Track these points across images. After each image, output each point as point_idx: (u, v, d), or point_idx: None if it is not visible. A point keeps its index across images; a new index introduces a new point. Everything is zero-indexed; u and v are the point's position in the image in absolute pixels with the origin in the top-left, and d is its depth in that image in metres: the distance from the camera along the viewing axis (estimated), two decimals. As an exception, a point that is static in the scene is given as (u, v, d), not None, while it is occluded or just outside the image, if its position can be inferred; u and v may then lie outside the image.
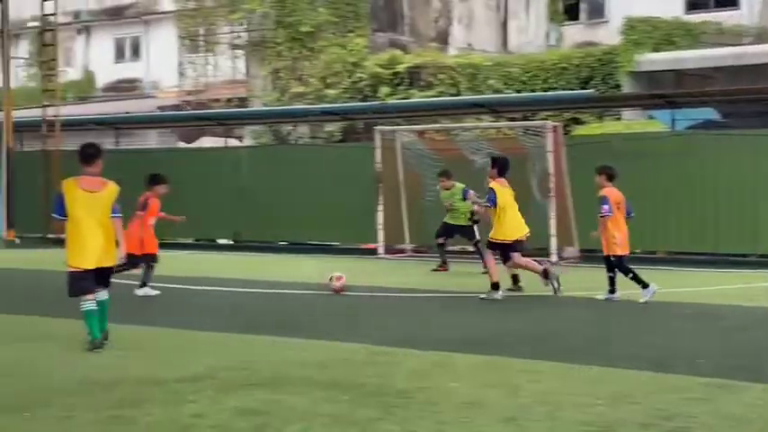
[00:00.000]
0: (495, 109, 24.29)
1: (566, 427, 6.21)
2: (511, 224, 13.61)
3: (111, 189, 9.52)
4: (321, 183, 22.70)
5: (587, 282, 15.59)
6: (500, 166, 13.97)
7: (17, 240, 24.65)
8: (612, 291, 12.96)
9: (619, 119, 27.99)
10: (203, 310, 12.64)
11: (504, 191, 13.70)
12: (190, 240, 25.89)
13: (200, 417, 6.46)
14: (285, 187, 23.33)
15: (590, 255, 19.45)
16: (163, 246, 24.60)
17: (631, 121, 26.95)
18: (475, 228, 17.44)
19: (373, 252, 21.26)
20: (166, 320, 11.24)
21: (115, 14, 45.09)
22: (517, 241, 13.66)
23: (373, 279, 16.16)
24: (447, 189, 17.82)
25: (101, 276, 9.40)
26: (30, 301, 13.40)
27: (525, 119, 25.25)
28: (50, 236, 9.81)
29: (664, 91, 25.04)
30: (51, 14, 26.60)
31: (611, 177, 13.15)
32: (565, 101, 24.87)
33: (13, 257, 21.01)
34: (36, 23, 32.93)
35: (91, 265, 9.25)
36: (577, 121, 27.84)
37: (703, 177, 19.18)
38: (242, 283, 15.09)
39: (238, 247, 24.32)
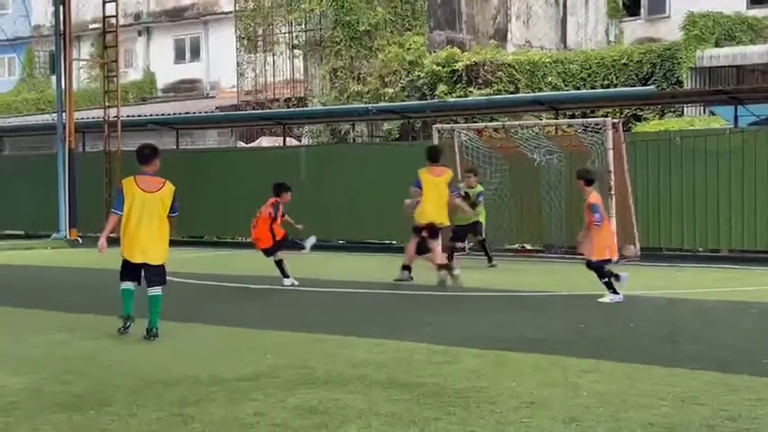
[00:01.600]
0: (554, 106, 24.09)
1: (629, 428, 6.12)
2: (425, 209, 14.59)
3: (169, 189, 9.98)
4: (379, 181, 22.68)
5: (649, 280, 15.42)
6: (427, 154, 15.21)
7: (80, 240, 25.02)
8: (615, 291, 12.48)
9: (680, 115, 27.60)
10: (264, 308, 12.71)
11: (428, 177, 14.74)
12: (249, 239, 26.02)
13: (261, 415, 6.49)
14: (343, 186, 23.37)
15: (651, 253, 19.26)
16: (225, 244, 24.92)
17: (693, 118, 26.57)
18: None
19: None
20: (227, 318, 11.30)
21: (175, 15, 45.54)
22: (430, 226, 14.51)
23: (431, 278, 16.10)
24: (471, 188, 17.86)
25: (153, 273, 9.95)
26: (92, 299, 13.57)
27: (585, 116, 25.00)
28: (112, 235, 10.12)
29: (726, 87, 24.65)
30: (112, 16, 26.93)
31: (590, 182, 12.68)
32: (625, 97, 24.59)
33: (76, 257, 21.34)
34: (97, 25, 33.36)
35: (138, 260, 9.88)
36: (638, 118, 27.51)
37: (766, 174, 18.83)
38: (301, 282, 15.13)
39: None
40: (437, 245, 14.90)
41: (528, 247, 20.76)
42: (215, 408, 6.74)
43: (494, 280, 15.63)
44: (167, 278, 10.20)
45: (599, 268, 12.51)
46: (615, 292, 12.41)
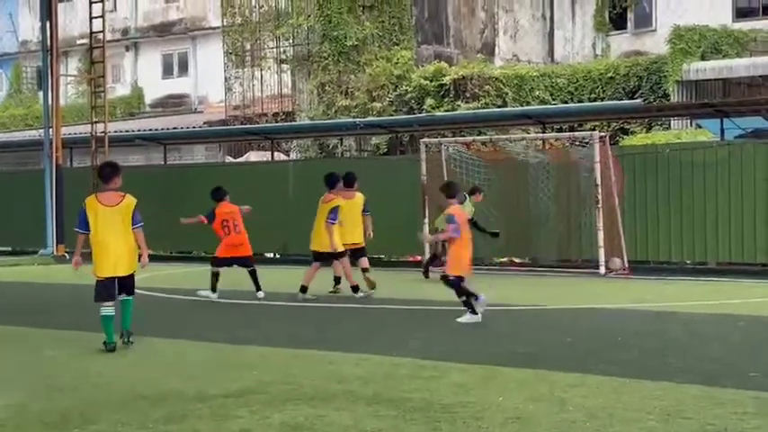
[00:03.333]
0: (541, 120, 24.16)
1: (615, 442, 6.12)
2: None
3: (129, 202, 10.39)
4: (367, 195, 22.64)
5: (636, 293, 15.44)
6: (326, 181, 15.38)
7: (67, 256, 24.89)
8: (474, 312, 12.01)
9: (667, 128, 27.72)
10: (250, 323, 12.67)
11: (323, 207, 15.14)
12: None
13: (246, 432, 6.46)
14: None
15: (638, 266, 19.30)
16: (208, 260, 24.82)
17: (680, 131, 26.68)
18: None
19: (420, 265, 21.19)
20: (213, 334, 11.27)
21: (163, 31, 45.55)
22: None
23: (418, 292, 16.11)
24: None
25: (123, 284, 10.39)
26: (79, 316, 13.51)
27: (572, 130, 25.07)
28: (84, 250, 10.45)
29: (712, 100, 24.75)
30: (100, 32, 26.89)
31: (452, 195, 12.39)
32: (612, 111, 24.68)
33: (63, 273, 21.23)
34: (85, 41, 33.35)
35: (111, 274, 10.26)
36: (625, 132, 27.63)
37: (753, 187, 18.90)
38: (287, 296, 15.10)
39: (285, 260, 24.37)
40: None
41: (516, 260, 20.76)
42: (201, 425, 6.72)
43: (481, 293, 15.58)
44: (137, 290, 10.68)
45: (457, 286, 12.02)
46: (474, 312, 11.94)
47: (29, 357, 9.89)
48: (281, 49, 34.13)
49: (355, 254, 15.86)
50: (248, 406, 7.24)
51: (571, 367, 8.74)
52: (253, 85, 34.24)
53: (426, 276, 18.24)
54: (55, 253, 25.31)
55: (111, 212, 10.24)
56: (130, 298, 10.55)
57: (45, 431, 6.67)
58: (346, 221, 15.50)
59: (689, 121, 27.12)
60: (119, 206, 10.29)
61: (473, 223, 18.29)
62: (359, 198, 16.27)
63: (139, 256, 10.44)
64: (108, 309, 10.31)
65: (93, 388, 8.16)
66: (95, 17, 26.77)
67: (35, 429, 6.71)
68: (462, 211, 12.58)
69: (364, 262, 15.89)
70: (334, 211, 14.88)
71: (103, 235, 10.19)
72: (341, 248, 15.10)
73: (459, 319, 11.93)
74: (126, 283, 10.45)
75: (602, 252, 18.76)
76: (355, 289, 15.02)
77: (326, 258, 15.16)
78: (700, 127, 25.74)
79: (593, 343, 10.41)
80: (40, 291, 17.95)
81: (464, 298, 12.03)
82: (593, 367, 8.73)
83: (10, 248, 29.03)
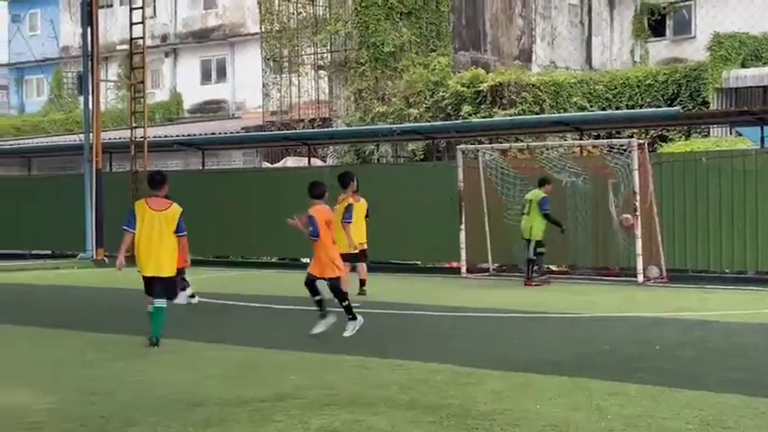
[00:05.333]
0: (579, 127, 24.04)
1: (653, 451, 6.08)
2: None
3: (176, 210, 11.04)
4: (403, 201, 22.69)
5: (675, 302, 15.33)
6: (339, 181, 15.37)
7: (106, 259, 25.11)
8: (353, 317, 11.59)
9: (706, 136, 27.49)
10: (287, 328, 12.71)
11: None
12: (274, 259, 26.11)
13: (283, 437, 6.49)
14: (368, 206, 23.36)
15: (677, 275, 19.15)
16: (250, 264, 24.99)
17: (719, 139, 26.44)
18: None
19: (456, 271, 21.19)
20: (251, 339, 11.32)
21: (202, 37, 45.87)
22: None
23: (456, 298, 16.09)
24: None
25: (161, 286, 10.90)
26: (119, 319, 13.64)
27: (610, 137, 24.95)
28: (128, 254, 10.85)
29: (752, 107, 24.51)
30: (140, 38, 27.13)
31: (318, 196, 11.84)
32: (650, 118, 24.51)
33: (102, 276, 21.44)
34: (125, 47, 33.65)
35: (150, 273, 10.86)
36: (664, 139, 27.42)
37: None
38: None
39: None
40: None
41: (553, 268, 20.68)
42: (239, 429, 6.76)
43: (518, 301, 15.57)
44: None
45: (335, 288, 11.60)
46: (354, 317, 11.55)
47: (68, 360, 9.99)
48: (319, 56, 34.23)
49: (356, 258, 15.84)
50: (286, 410, 7.27)
51: (609, 375, 8.70)
52: (290, 91, 34.37)
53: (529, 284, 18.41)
54: (94, 256, 25.53)
55: (158, 217, 10.88)
56: (165, 306, 10.94)
57: (85, 433, 6.74)
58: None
59: (728, 128, 26.87)
60: (165, 212, 10.95)
61: (546, 216, 18.40)
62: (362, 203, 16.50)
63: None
64: (153, 306, 10.93)
65: (132, 391, 8.23)
66: (135, 23, 27.02)
67: (74, 431, 6.77)
68: (328, 212, 11.93)
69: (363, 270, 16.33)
70: (349, 211, 14.91)
71: (147, 237, 10.81)
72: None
73: (346, 334, 11.41)
74: (164, 285, 10.97)
75: (639, 260, 18.63)
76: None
77: (347, 260, 15.06)
78: (740, 134, 25.50)
79: (631, 351, 10.35)
80: (80, 294, 18.12)
81: (346, 303, 11.58)
82: (631, 376, 8.68)
83: (50, 252, 29.35)
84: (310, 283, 11.67)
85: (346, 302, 11.62)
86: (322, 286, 11.68)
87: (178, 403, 7.62)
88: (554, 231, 18.91)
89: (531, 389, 8.14)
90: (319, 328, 11.50)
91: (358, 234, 15.38)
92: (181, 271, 14.84)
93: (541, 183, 18.89)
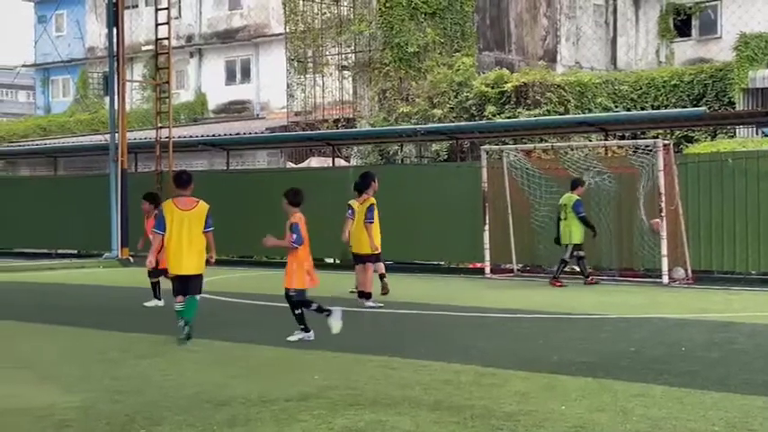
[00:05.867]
0: (603, 127, 23.96)
1: (679, 453, 6.06)
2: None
3: (203, 207, 11.26)
4: (427, 202, 22.69)
5: (700, 304, 15.26)
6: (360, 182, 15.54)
7: (131, 259, 25.27)
8: (306, 329, 11.25)
9: (732, 137, 27.33)
10: (312, 329, 12.73)
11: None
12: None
13: (308, 436, 6.51)
14: (391, 206, 23.35)
15: (703, 276, 19.05)
16: (274, 264, 25.05)
17: (745, 139, 26.28)
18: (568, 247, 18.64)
19: (480, 272, 21.17)
20: (275, 338, 11.35)
21: (227, 38, 46.03)
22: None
23: (480, 299, 16.08)
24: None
25: (191, 284, 11.15)
26: (144, 319, 13.72)
27: (635, 137, 24.86)
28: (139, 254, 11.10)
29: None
30: (165, 38, 27.26)
31: (295, 203, 11.56)
32: (676, 119, 24.40)
33: (127, 276, 21.56)
34: (150, 47, 33.82)
35: (181, 272, 11.11)
36: (689, 140, 27.29)
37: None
38: (348, 302, 15.16)
39: (345, 266, 24.46)
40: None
41: (577, 268, 20.61)
42: (264, 428, 6.78)
43: (543, 302, 15.54)
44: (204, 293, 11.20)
45: (296, 300, 11.19)
46: (306, 329, 11.18)
47: (94, 359, 10.06)
48: (343, 56, 34.30)
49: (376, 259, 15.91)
50: (310, 410, 7.29)
51: (634, 377, 8.67)
52: (314, 91, 34.44)
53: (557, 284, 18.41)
54: (119, 256, 25.68)
55: (187, 216, 11.11)
56: (197, 298, 11.23)
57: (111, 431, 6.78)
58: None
59: (754, 129, 26.71)
60: (193, 210, 11.17)
61: (582, 218, 18.37)
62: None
63: (208, 260, 11.30)
64: (180, 304, 11.17)
65: (158, 390, 8.27)
66: (161, 24, 27.16)
67: (101, 430, 6.82)
68: (303, 218, 11.59)
69: (381, 267, 16.24)
70: (371, 210, 14.93)
71: (177, 236, 11.03)
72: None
73: (290, 338, 11.10)
74: (194, 283, 11.20)
75: (665, 261, 18.55)
76: (368, 296, 15.02)
77: (368, 260, 15.14)
78: (766, 135, 25.35)
79: (656, 353, 10.30)
80: (105, 293, 18.23)
81: (299, 311, 11.16)
82: (656, 377, 8.65)
83: (76, 251, 29.55)
84: (297, 299, 11.20)
85: (300, 311, 11.17)
86: (311, 293, 11.47)
87: (203, 402, 7.66)
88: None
89: (555, 390, 8.12)
90: (336, 325, 11.17)
91: (378, 235, 15.31)
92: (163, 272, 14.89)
93: (574, 185, 18.84)
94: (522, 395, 7.87)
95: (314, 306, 11.27)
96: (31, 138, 46.77)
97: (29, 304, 15.89)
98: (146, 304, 15.01)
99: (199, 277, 11.26)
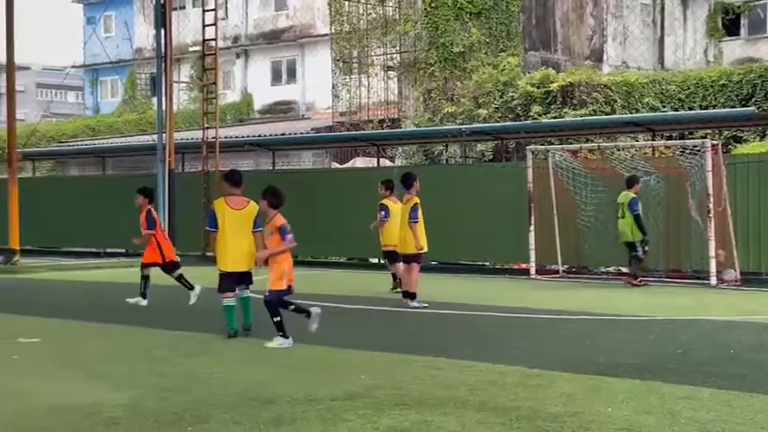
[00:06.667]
0: (651, 127, 23.77)
1: (727, 457, 6.00)
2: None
3: (253, 207, 11.53)
4: (472, 202, 22.64)
5: (749, 305, 15.08)
6: (403, 182, 15.52)
7: (178, 258, 25.43)
8: (285, 335, 10.81)
9: (782, 137, 26.99)
10: (355, 328, 12.77)
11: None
12: (342, 259, 26.23)
13: (353, 435, 6.53)
14: (436, 207, 23.33)
15: (752, 278, 18.82)
16: (318, 264, 25.15)
17: (795, 139, 25.94)
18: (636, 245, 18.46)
19: (525, 272, 21.08)
20: (320, 338, 11.39)
21: (273, 38, 46.26)
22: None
23: (525, 299, 16.02)
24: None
25: (242, 278, 11.54)
26: (191, 317, 13.83)
27: (683, 138, 24.62)
28: (209, 254, 11.08)
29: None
30: (212, 39, 27.45)
31: (275, 205, 10.97)
32: (724, 118, 24.13)
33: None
34: (197, 48, 34.07)
35: (232, 269, 11.40)
36: (738, 140, 26.98)
37: None
38: (392, 302, 15.18)
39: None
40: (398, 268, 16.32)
41: (623, 270, 20.45)
42: (310, 427, 6.81)
43: (589, 303, 15.44)
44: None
45: (273, 304, 10.75)
46: (285, 335, 10.74)
47: (141, 357, 10.16)
48: (388, 56, 34.33)
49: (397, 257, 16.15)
50: (355, 410, 7.31)
51: (682, 379, 8.59)
52: (359, 91, 34.51)
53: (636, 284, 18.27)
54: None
55: (238, 215, 11.39)
56: (249, 295, 11.66)
57: (158, 429, 6.84)
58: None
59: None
60: (244, 210, 11.46)
61: (635, 217, 18.23)
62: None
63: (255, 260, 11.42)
64: (229, 300, 11.47)
65: (204, 388, 8.34)
66: (208, 25, 27.37)
67: (148, 427, 6.89)
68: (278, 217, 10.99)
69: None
70: (415, 209, 14.87)
71: (229, 234, 11.28)
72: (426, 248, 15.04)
73: (268, 344, 10.73)
74: (246, 277, 11.62)
75: (713, 262, 18.35)
76: (413, 296, 14.86)
77: (414, 260, 14.99)
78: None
79: (704, 355, 10.20)
80: (152, 292, 18.36)
81: (278, 319, 10.73)
82: (704, 380, 8.56)
83: (124, 250, 29.81)
84: (275, 303, 10.82)
85: (278, 318, 10.75)
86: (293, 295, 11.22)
87: (249, 400, 7.71)
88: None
89: (601, 392, 8.07)
90: (314, 325, 10.93)
91: (423, 234, 15.20)
92: (176, 265, 15.61)
93: (629, 183, 18.70)
94: (567, 396, 7.84)
95: (292, 307, 10.93)
96: (80, 138, 47.35)
97: (77, 303, 16.08)
98: (128, 300, 15.31)
99: (248, 274, 11.64)
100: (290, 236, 10.85)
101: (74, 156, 40.07)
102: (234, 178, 11.76)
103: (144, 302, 15.15)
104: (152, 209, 15.73)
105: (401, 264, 15.81)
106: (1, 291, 18.98)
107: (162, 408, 7.49)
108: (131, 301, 15.09)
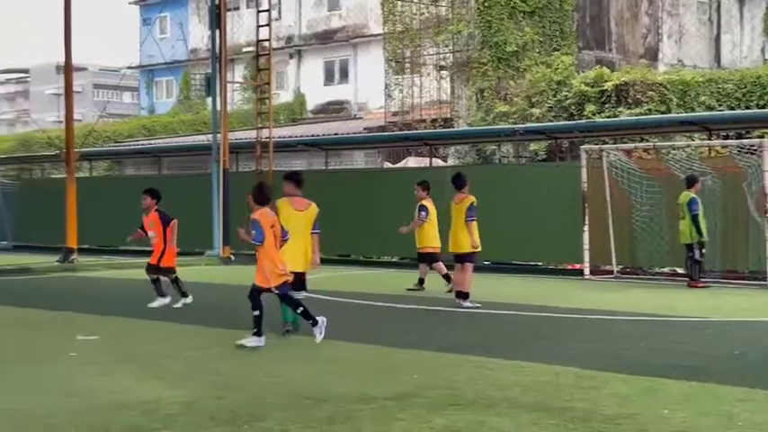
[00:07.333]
0: (707, 127, 23.49)
1: (786, 461, 5.93)
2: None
3: (314, 210, 11.79)
4: (525, 202, 22.56)
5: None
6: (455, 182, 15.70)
7: (232, 257, 25.68)
8: (259, 333, 10.72)
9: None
10: (407, 327, 12.79)
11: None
12: (395, 259, 26.26)
13: (408, 435, 6.55)
14: (488, 206, 23.25)
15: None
16: (371, 263, 25.22)
17: None
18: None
19: (579, 273, 20.95)
20: (373, 336, 11.44)
21: (325, 38, 46.47)
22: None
23: (579, 300, 15.92)
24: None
25: (299, 279, 11.60)
26: (245, 316, 13.92)
27: (740, 137, 24.29)
28: None
29: None
30: (266, 40, 27.63)
31: (259, 202, 10.91)
32: (782, 118, 23.77)
33: (229, 274, 21.93)
34: (251, 49, 34.34)
35: (294, 269, 11.32)
36: (796, 139, 26.54)
37: None
38: (447, 302, 15.17)
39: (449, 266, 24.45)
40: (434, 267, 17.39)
41: (679, 270, 20.25)
42: (364, 426, 6.84)
43: (644, 304, 15.32)
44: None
45: (253, 296, 10.83)
46: (259, 333, 10.67)
47: (198, 354, 10.27)
48: (441, 56, 34.31)
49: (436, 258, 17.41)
50: (409, 409, 7.33)
51: (739, 381, 8.49)
52: (412, 91, 34.53)
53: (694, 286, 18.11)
54: (221, 254, 26.11)
55: (300, 216, 11.61)
56: (302, 297, 11.57)
57: (215, 427, 6.91)
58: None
59: None
60: (305, 211, 11.70)
61: (693, 217, 18.03)
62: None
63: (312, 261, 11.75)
64: (296, 295, 11.47)
65: (259, 386, 8.41)
66: (262, 26, 27.55)
67: (206, 424, 6.96)
68: (273, 217, 11.00)
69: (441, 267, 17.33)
70: (471, 209, 14.82)
71: (292, 234, 11.24)
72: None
73: (241, 342, 10.67)
74: (301, 279, 11.69)
75: (770, 263, 18.10)
76: (466, 296, 14.80)
77: (468, 259, 14.92)
78: None
79: (762, 356, 10.08)
80: (206, 290, 18.55)
81: (257, 313, 10.69)
82: (762, 382, 8.46)
83: (179, 249, 30.09)
84: (255, 295, 10.85)
85: (302, 308, 10.98)
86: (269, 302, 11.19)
87: (304, 399, 7.75)
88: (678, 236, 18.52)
89: (657, 393, 8.01)
90: (320, 336, 10.80)
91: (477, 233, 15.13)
92: (171, 270, 15.72)
93: (689, 183, 18.49)
94: (623, 398, 7.79)
95: (257, 313, 10.75)
96: (135, 138, 47.93)
97: (133, 301, 16.27)
98: (151, 305, 14.98)
99: (303, 274, 11.79)
100: (253, 232, 10.72)
101: (130, 156, 40.57)
102: (297, 179, 11.91)
103: (189, 299, 15.19)
104: (161, 210, 15.80)
105: (440, 263, 16.97)
106: (59, 289, 19.30)
107: (218, 406, 7.56)
108: (178, 305, 15.14)
